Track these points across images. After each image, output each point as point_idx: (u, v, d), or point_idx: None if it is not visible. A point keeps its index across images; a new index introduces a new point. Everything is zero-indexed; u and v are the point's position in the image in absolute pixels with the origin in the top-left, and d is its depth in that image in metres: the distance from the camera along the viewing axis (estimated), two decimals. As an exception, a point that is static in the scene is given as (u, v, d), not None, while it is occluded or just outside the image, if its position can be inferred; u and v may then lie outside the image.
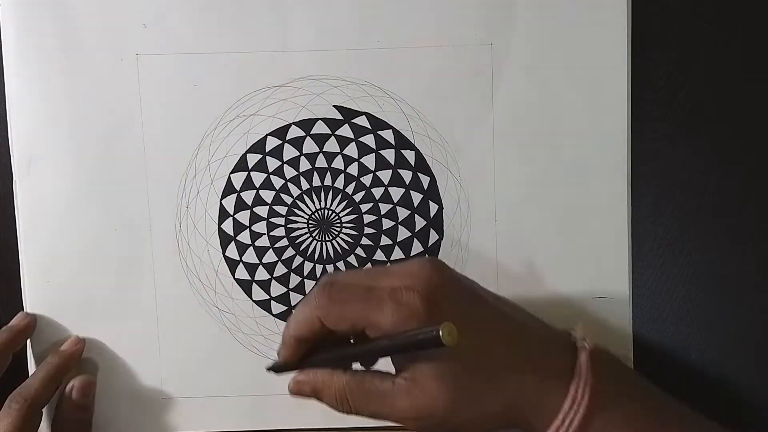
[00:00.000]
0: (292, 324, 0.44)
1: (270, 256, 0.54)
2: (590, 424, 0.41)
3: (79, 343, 0.54)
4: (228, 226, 0.54)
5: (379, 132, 0.53)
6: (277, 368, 0.47)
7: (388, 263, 0.54)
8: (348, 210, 0.54)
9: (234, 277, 0.54)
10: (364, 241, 0.54)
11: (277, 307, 0.55)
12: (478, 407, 0.42)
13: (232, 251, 0.54)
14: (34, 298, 0.54)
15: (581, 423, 0.41)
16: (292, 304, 0.54)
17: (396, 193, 0.54)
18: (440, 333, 0.37)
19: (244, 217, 0.54)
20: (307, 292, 0.54)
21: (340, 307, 0.42)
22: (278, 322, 0.55)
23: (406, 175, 0.54)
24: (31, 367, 0.54)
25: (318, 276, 0.54)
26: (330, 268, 0.54)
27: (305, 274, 0.54)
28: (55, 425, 0.53)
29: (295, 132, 0.53)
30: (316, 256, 0.54)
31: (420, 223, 0.54)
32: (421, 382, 0.41)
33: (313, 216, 0.54)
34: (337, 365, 0.44)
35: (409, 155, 0.53)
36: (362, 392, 0.42)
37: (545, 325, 0.47)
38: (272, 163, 0.54)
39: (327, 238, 0.54)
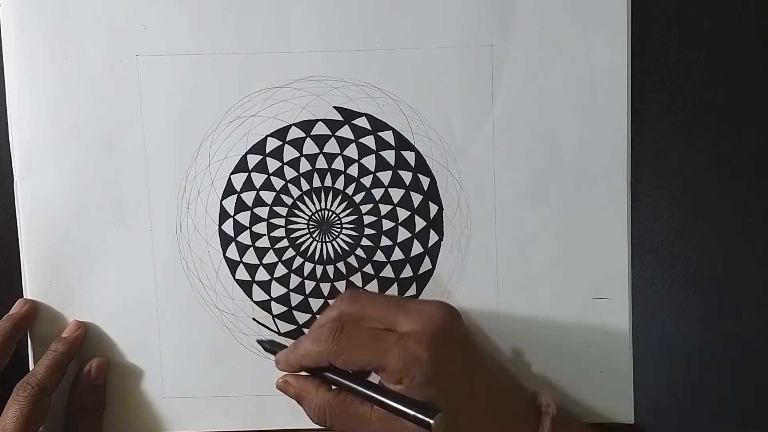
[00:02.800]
0: (301, 354, 0.48)
1: (270, 257, 0.54)
2: None
3: (80, 327, 0.54)
4: (228, 227, 0.54)
5: (379, 133, 0.53)
6: (267, 349, 0.52)
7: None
8: (348, 211, 0.54)
9: (234, 277, 0.54)
10: (364, 241, 0.54)
11: (278, 308, 0.55)
12: None
13: (232, 252, 0.54)
14: (35, 298, 0.54)
15: None
16: (293, 305, 0.55)
17: (396, 194, 0.54)
18: (432, 423, 0.42)
19: (244, 218, 0.54)
20: (306, 292, 0.54)
21: (350, 355, 0.46)
22: (278, 322, 0.55)
23: (406, 176, 0.54)
24: (32, 362, 0.54)
25: (318, 277, 0.54)
26: (330, 268, 0.54)
27: (305, 275, 0.54)
28: (70, 411, 0.53)
29: (295, 133, 0.53)
30: (316, 257, 0.54)
31: (420, 224, 0.54)
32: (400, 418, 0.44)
33: (313, 217, 0.54)
34: (327, 380, 0.48)
35: (409, 156, 0.53)
36: (342, 413, 0.46)
37: (517, 385, 0.52)
38: (272, 164, 0.54)
39: (327, 239, 0.54)
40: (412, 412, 0.43)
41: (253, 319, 0.55)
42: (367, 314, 0.47)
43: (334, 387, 0.48)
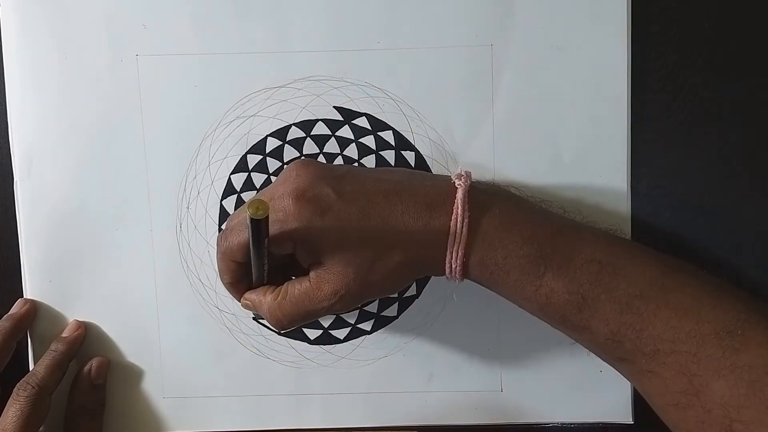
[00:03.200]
0: (219, 275, 0.49)
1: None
2: (472, 250, 0.46)
3: (80, 327, 0.54)
4: (228, 227, 0.54)
5: (379, 133, 0.53)
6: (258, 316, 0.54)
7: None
8: (348, 210, 0.54)
9: (234, 277, 0.54)
10: (365, 241, 0.54)
11: (278, 308, 0.55)
12: (380, 267, 0.46)
13: (232, 252, 0.54)
14: (35, 298, 0.54)
15: (464, 252, 0.46)
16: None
17: (396, 193, 0.54)
18: (248, 212, 0.42)
19: (244, 217, 0.54)
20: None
21: (231, 242, 0.47)
22: (278, 322, 0.55)
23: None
24: (32, 362, 0.54)
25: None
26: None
27: (305, 275, 0.54)
28: (70, 411, 0.53)
29: (295, 133, 0.53)
30: (316, 257, 0.54)
31: (420, 223, 0.54)
32: (328, 266, 0.46)
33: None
34: (270, 283, 0.49)
35: (409, 156, 0.53)
36: (289, 303, 0.47)
37: (427, 176, 0.50)
38: (273, 164, 0.54)
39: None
40: (250, 229, 0.43)
41: (253, 318, 0.55)
42: (243, 212, 0.47)
43: (274, 290, 0.48)
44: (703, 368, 0.43)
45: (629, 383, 0.53)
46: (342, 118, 0.53)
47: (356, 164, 0.53)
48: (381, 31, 0.52)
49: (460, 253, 0.46)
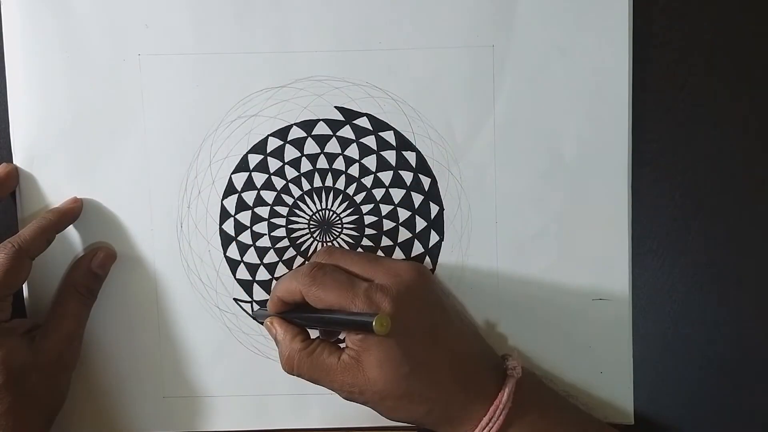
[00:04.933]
0: (279, 287, 0.50)
1: (271, 257, 0.54)
2: None
3: (77, 202, 0.54)
4: (229, 227, 0.54)
5: (380, 133, 0.53)
6: (258, 318, 0.54)
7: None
8: (349, 211, 0.54)
9: (235, 277, 0.54)
10: (365, 242, 0.54)
11: (278, 308, 0.55)
12: (403, 404, 0.47)
13: (233, 251, 0.54)
14: (35, 298, 0.54)
15: None
16: (293, 305, 0.55)
17: (397, 194, 0.54)
18: (373, 321, 0.43)
19: (245, 217, 0.54)
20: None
21: (321, 292, 0.48)
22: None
23: (407, 177, 0.54)
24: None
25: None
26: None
27: (306, 275, 0.54)
28: (62, 287, 0.53)
29: (296, 133, 0.54)
30: (317, 257, 0.54)
31: (421, 224, 0.54)
32: (364, 366, 0.47)
33: (314, 217, 0.54)
34: (305, 325, 0.50)
35: (410, 156, 0.54)
36: (308, 362, 0.48)
37: (488, 350, 0.52)
38: (273, 164, 0.54)
39: (328, 239, 0.54)
40: (356, 318, 0.45)
41: (254, 318, 0.55)
42: (343, 265, 0.50)
43: (304, 340, 0.49)
44: None
45: (630, 384, 0.54)
46: (343, 118, 0.53)
47: (356, 164, 0.53)
48: (382, 32, 0.52)
49: None
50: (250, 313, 0.54)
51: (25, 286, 0.54)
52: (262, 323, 0.53)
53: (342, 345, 0.50)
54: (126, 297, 0.54)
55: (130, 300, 0.55)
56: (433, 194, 0.54)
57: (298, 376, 0.49)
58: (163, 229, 0.54)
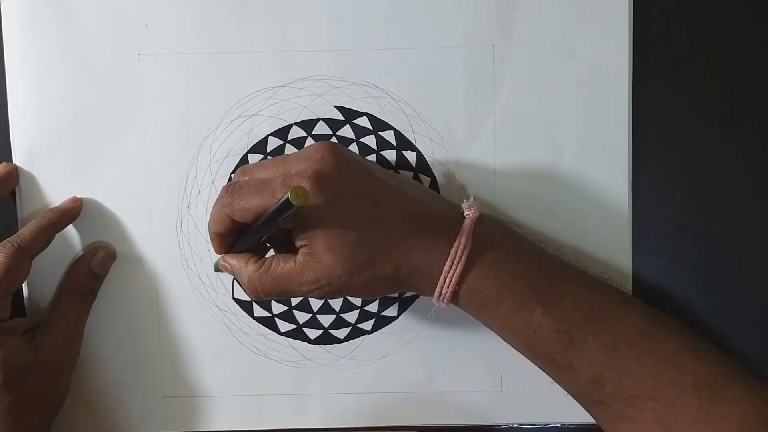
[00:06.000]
0: (210, 222, 0.49)
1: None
2: (466, 279, 0.47)
3: (76, 202, 0.54)
4: (229, 226, 0.54)
5: (380, 133, 0.53)
6: (216, 266, 0.52)
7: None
8: (349, 211, 0.54)
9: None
10: (365, 241, 0.54)
11: (278, 307, 0.55)
12: (369, 273, 0.46)
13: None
14: (35, 298, 0.54)
15: (458, 280, 0.46)
16: (293, 304, 0.55)
17: (397, 193, 0.54)
18: (289, 195, 0.41)
19: (245, 217, 0.54)
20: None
21: (241, 202, 0.46)
22: (279, 322, 0.55)
23: (408, 176, 0.54)
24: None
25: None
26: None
27: (306, 274, 0.54)
28: (61, 286, 0.53)
29: (296, 132, 0.54)
30: (317, 256, 0.54)
31: (421, 223, 0.54)
32: (318, 255, 0.46)
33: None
34: (255, 250, 0.49)
35: (410, 156, 0.54)
36: (270, 277, 0.47)
37: (438, 198, 0.51)
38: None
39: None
40: (276, 205, 0.43)
41: (254, 317, 0.55)
42: (259, 173, 0.48)
43: (257, 261, 0.48)
44: (680, 418, 0.44)
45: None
46: (343, 118, 0.53)
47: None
48: (382, 31, 0.52)
49: (453, 280, 0.47)
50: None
51: (25, 286, 0.54)
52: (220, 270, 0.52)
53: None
54: (126, 297, 0.54)
55: (130, 300, 0.55)
56: (433, 194, 0.54)
57: (266, 297, 0.48)
58: (163, 229, 0.54)
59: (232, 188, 0.47)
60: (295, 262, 0.47)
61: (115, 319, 0.55)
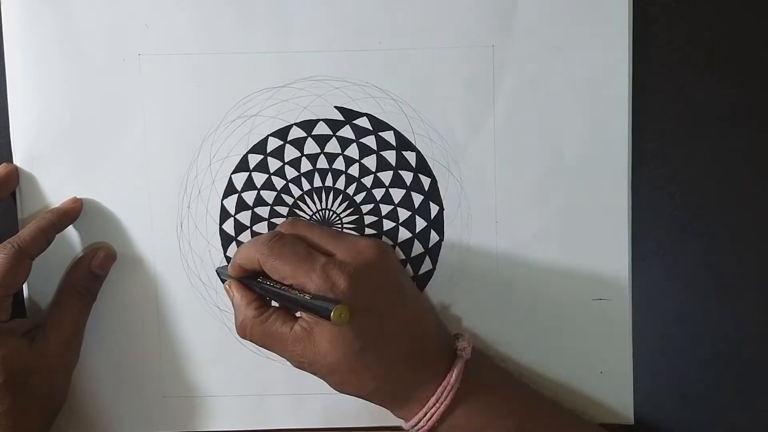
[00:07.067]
0: (240, 254, 0.50)
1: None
2: (448, 416, 0.48)
3: (76, 202, 0.54)
4: (229, 227, 0.54)
5: (380, 133, 0.53)
6: (221, 275, 0.53)
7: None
8: (349, 211, 0.54)
9: (235, 277, 0.54)
10: (365, 241, 0.54)
11: (278, 308, 0.55)
12: (352, 379, 0.47)
13: (233, 251, 0.54)
14: (35, 298, 0.54)
15: (439, 417, 0.47)
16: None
17: (397, 194, 0.54)
18: (332, 312, 0.43)
19: (245, 217, 0.54)
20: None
21: (278, 263, 0.47)
22: (279, 322, 0.55)
23: (407, 177, 0.54)
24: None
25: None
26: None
27: (306, 275, 0.54)
28: (61, 287, 0.53)
29: (296, 133, 0.54)
30: (317, 257, 0.54)
31: (421, 224, 0.54)
32: (315, 338, 0.47)
33: (314, 217, 0.54)
34: (263, 294, 0.50)
35: (410, 156, 0.54)
36: (262, 330, 0.48)
37: (442, 330, 0.52)
38: (273, 164, 0.54)
39: (328, 239, 0.54)
40: (316, 303, 0.44)
41: (217, 274, 0.55)
42: (305, 238, 0.49)
43: (259, 308, 0.49)
44: None
45: (630, 384, 0.54)
46: (343, 118, 0.53)
47: (356, 164, 0.53)
48: (382, 32, 0.52)
49: (434, 417, 0.48)
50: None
51: (25, 286, 0.54)
52: (224, 281, 0.53)
53: (297, 314, 0.49)
54: (126, 297, 0.54)
55: (130, 300, 0.55)
56: (433, 194, 0.54)
57: (250, 341, 0.49)
58: (163, 229, 0.54)
59: (276, 241, 0.48)
60: (290, 330, 0.47)
61: (115, 319, 0.55)
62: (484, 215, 0.53)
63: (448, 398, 0.47)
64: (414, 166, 0.54)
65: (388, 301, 0.48)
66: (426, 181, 0.54)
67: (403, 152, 0.54)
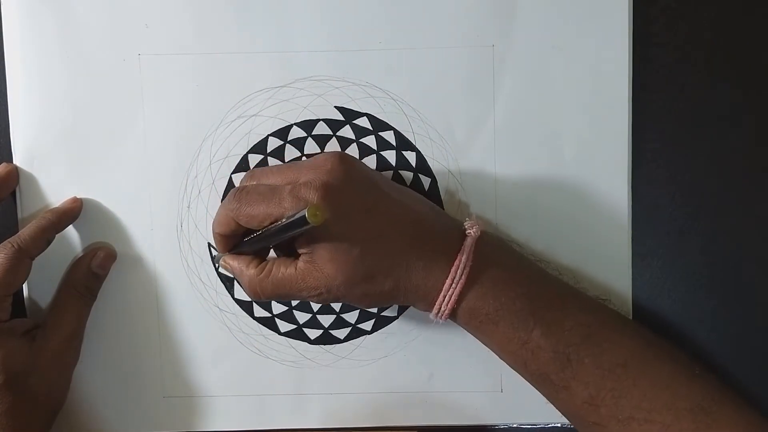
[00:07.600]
0: (214, 224, 0.49)
1: (271, 257, 0.54)
2: (465, 297, 0.47)
3: (76, 202, 0.54)
4: (229, 227, 0.54)
5: (380, 133, 0.53)
6: (214, 261, 0.53)
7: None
8: (349, 211, 0.54)
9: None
10: (365, 241, 0.54)
11: (278, 308, 0.55)
12: (368, 285, 0.47)
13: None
14: (35, 298, 0.54)
15: (457, 298, 0.47)
16: (293, 304, 0.55)
17: (397, 194, 0.54)
18: (306, 213, 0.42)
19: (245, 217, 0.54)
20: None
21: (249, 208, 0.46)
22: (279, 322, 0.55)
23: (407, 176, 0.54)
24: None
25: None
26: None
27: (306, 274, 0.54)
28: (61, 286, 0.53)
29: (296, 133, 0.54)
30: (317, 257, 0.54)
31: (421, 223, 0.54)
32: (319, 264, 0.46)
33: (314, 217, 0.54)
34: (257, 252, 0.50)
35: (410, 156, 0.54)
36: (270, 282, 0.48)
37: (441, 214, 0.51)
38: (274, 164, 0.54)
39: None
40: (293, 218, 0.43)
41: (254, 318, 0.55)
42: (267, 179, 0.48)
43: (259, 264, 0.49)
44: None
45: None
46: (343, 118, 0.53)
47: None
48: (382, 32, 0.52)
49: (452, 299, 0.47)
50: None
51: (25, 286, 0.54)
52: (218, 269, 0.52)
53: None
54: (126, 297, 0.55)
55: (130, 300, 0.55)
56: (433, 194, 0.54)
57: (266, 299, 0.49)
58: (163, 229, 0.54)
59: (239, 193, 0.47)
60: (296, 269, 0.47)
61: (115, 319, 0.55)
62: (483, 215, 0.53)
63: (462, 278, 0.47)
64: (414, 166, 0.54)
65: (368, 198, 0.47)
66: (426, 181, 0.54)
67: (403, 152, 0.54)
